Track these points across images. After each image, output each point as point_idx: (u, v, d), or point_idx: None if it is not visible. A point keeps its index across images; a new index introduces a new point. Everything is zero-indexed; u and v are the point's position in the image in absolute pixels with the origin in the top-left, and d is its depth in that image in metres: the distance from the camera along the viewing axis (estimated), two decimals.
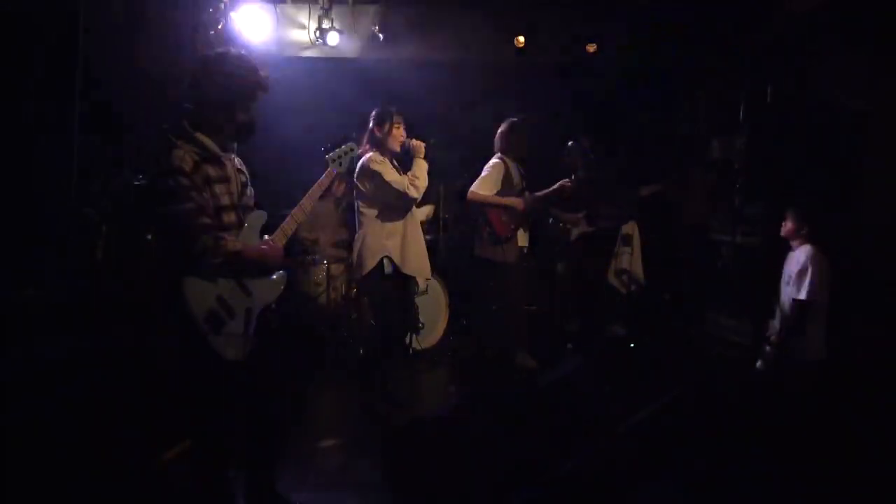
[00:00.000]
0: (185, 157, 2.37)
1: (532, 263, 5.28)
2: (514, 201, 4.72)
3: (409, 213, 3.95)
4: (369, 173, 3.82)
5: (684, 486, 2.81)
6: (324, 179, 2.85)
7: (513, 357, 4.89)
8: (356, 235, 4.00)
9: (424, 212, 5.15)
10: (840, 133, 4.82)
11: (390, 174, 3.79)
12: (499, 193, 4.75)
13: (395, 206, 3.88)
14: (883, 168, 4.52)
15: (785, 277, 4.14)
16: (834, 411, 3.67)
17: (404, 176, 3.83)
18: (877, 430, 3.45)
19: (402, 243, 3.88)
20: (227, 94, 2.44)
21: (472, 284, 5.26)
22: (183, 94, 2.53)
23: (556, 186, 4.85)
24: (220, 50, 2.54)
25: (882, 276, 4.22)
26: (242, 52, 2.55)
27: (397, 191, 3.77)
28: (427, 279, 4.20)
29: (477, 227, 4.85)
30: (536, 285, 5.64)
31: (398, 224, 3.89)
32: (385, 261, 3.87)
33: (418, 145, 3.87)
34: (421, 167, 3.84)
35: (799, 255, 4.05)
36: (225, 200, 2.50)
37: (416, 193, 3.80)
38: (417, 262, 3.94)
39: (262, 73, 2.52)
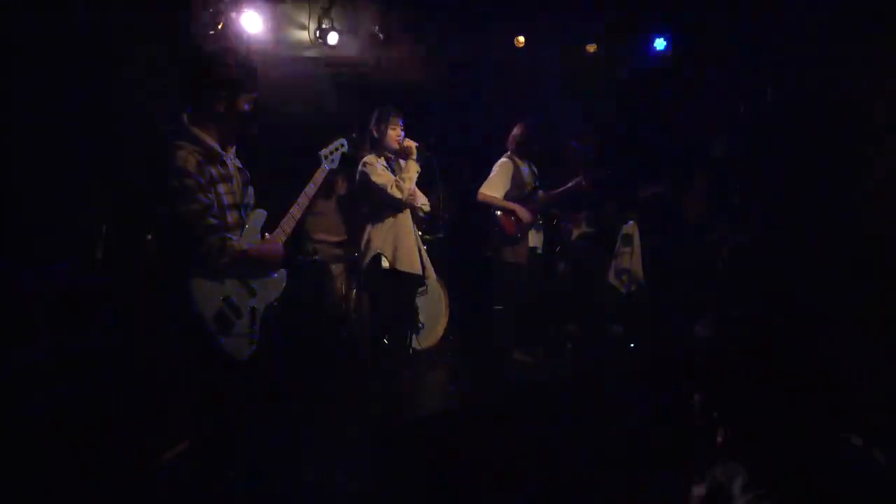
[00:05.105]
0: (188, 157, 2.36)
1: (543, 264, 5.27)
2: (521, 212, 4.72)
3: (401, 212, 3.95)
4: (360, 174, 3.88)
5: (685, 485, 2.80)
6: (317, 176, 2.88)
7: (512, 356, 4.89)
8: (361, 229, 4.01)
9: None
10: (841, 131, 4.81)
11: (376, 175, 3.83)
12: (508, 193, 4.74)
13: (384, 205, 3.90)
14: (885, 166, 4.51)
15: None
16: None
17: (392, 177, 3.85)
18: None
19: (394, 240, 3.89)
20: (230, 86, 2.45)
21: (477, 283, 5.25)
22: (182, 89, 2.53)
23: (571, 184, 4.84)
24: (222, 44, 2.56)
25: (887, 273, 4.21)
26: (240, 48, 2.57)
27: (382, 191, 3.80)
28: (419, 274, 4.15)
29: (487, 228, 4.85)
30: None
31: (389, 222, 3.91)
32: (382, 256, 3.88)
33: (409, 146, 3.89)
34: (409, 168, 3.87)
35: None
36: (228, 200, 2.50)
37: (399, 194, 3.82)
38: (408, 258, 3.93)
39: (258, 68, 2.56)
